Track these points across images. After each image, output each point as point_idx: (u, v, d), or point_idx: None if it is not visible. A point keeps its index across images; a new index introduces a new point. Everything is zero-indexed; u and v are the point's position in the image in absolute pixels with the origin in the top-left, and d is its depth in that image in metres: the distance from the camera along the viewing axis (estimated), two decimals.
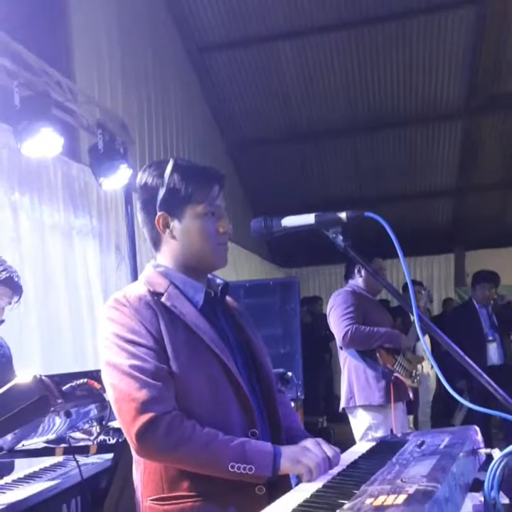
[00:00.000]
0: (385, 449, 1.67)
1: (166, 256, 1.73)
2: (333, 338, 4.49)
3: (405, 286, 6.47)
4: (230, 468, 1.50)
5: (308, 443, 1.58)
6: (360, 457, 1.64)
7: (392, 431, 1.87)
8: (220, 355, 1.61)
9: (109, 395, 1.59)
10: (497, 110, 9.22)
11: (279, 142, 9.85)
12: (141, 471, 1.63)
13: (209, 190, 1.70)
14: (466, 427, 1.78)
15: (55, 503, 1.99)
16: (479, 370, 1.39)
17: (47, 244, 4.61)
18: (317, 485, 1.37)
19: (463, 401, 1.47)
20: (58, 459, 2.47)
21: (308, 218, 1.59)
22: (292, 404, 2.75)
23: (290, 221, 1.62)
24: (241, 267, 9.33)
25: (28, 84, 3.94)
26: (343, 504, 1.12)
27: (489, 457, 1.42)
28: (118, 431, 2.23)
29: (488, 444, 1.65)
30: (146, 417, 1.49)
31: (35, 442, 2.13)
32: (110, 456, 2.26)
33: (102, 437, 2.30)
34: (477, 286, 6.25)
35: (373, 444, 1.83)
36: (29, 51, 3.97)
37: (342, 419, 4.79)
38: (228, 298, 1.85)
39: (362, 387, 4.21)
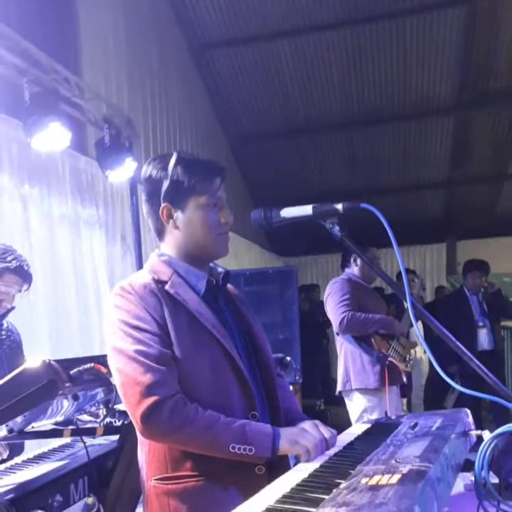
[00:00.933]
0: (379, 431, 1.71)
1: (170, 245, 1.77)
2: (330, 325, 4.52)
3: (399, 275, 6.48)
4: (230, 449, 1.54)
5: (306, 425, 1.63)
6: (356, 438, 1.69)
7: (386, 413, 1.90)
8: (221, 341, 1.65)
9: (115, 379, 1.63)
10: (487, 105, 9.20)
11: (278, 136, 9.83)
12: (146, 452, 1.67)
13: (211, 182, 1.73)
14: (458, 409, 1.83)
15: (63, 483, 2.01)
16: (470, 355, 1.42)
17: (55, 234, 4.66)
18: (315, 465, 1.42)
19: (454, 385, 1.51)
20: (66, 440, 2.48)
21: (306, 209, 1.62)
22: (291, 387, 2.79)
23: (288, 212, 1.64)
24: (241, 256, 9.30)
25: (37, 81, 4.00)
26: (340, 483, 1.16)
27: (479, 439, 1.47)
28: (124, 413, 2.24)
29: (479, 426, 1.68)
30: (150, 400, 1.53)
31: (44, 424, 2.15)
32: (116, 437, 2.29)
33: (108, 419, 2.32)
34: (468, 275, 6.32)
35: (368, 426, 1.87)
36: (39, 49, 4.02)
37: (338, 402, 4.79)
38: (229, 286, 1.88)
39: (358, 372, 4.28)
